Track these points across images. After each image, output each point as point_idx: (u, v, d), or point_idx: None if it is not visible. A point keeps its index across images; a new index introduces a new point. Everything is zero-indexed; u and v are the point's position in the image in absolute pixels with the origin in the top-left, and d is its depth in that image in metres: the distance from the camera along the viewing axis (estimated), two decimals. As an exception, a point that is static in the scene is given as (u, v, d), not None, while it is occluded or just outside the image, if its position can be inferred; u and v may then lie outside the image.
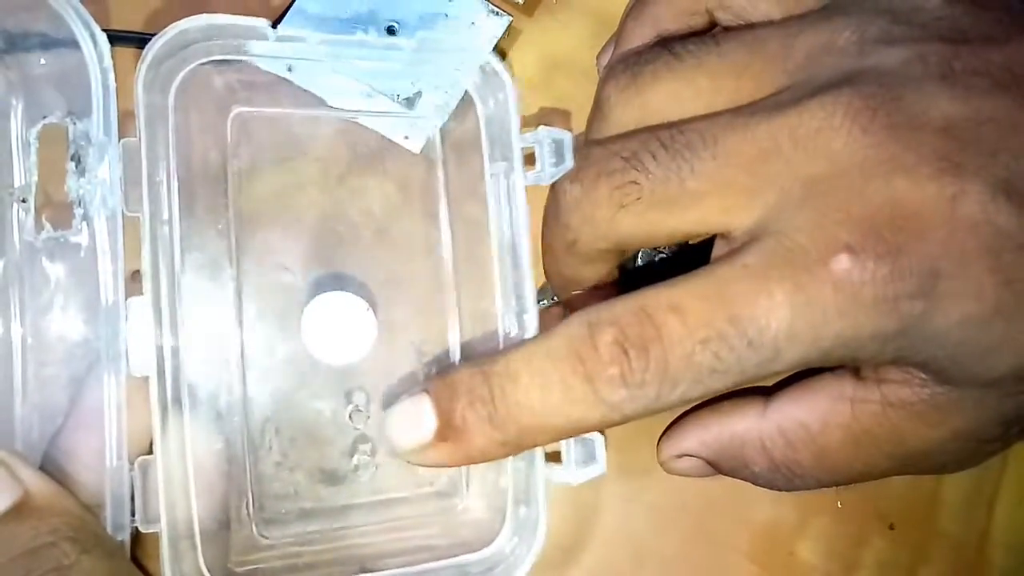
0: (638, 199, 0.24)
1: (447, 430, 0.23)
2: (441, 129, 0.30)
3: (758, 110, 0.24)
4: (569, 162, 0.26)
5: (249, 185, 0.29)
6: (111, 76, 0.24)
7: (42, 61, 0.26)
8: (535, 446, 0.25)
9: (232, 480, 0.27)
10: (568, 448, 0.26)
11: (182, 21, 0.25)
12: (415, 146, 0.30)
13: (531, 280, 0.26)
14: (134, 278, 0.24)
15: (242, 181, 0.28)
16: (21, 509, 0.22)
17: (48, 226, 0.25)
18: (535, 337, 0.25)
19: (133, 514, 0.23)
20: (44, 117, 0.25)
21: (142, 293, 0.23)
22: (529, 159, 0.27)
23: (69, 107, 0.25)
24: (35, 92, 0.26)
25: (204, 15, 0.25)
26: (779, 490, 0.27)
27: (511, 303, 0.26)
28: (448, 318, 0.29)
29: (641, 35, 0.28)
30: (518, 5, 0.33)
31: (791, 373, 0.25)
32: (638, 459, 0.30)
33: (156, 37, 0.24)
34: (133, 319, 0.23)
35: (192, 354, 0.25)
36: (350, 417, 0.28)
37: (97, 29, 0.24)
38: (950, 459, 0.25)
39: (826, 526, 0.31)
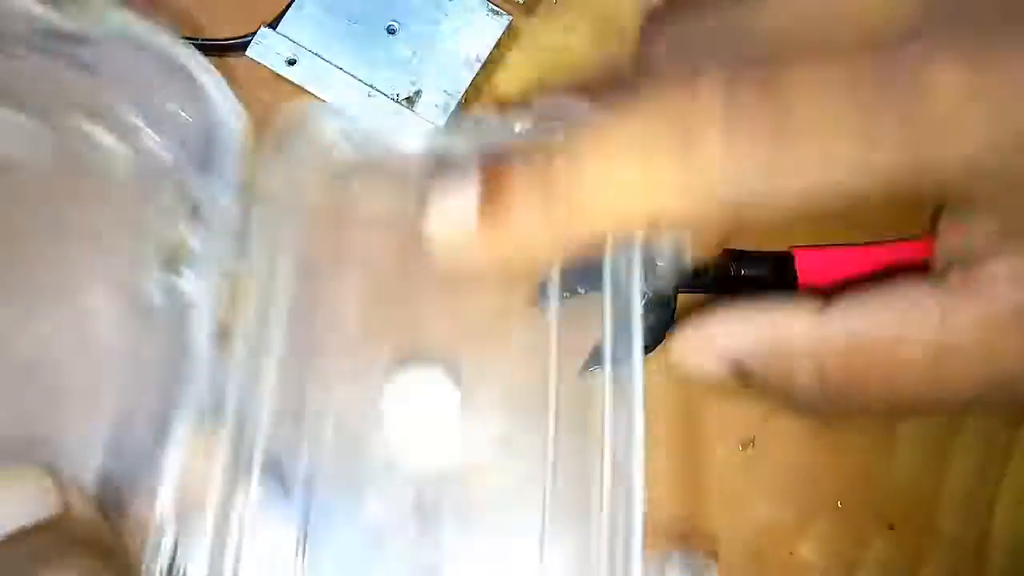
0: None
1: (490, 206, 0.20)
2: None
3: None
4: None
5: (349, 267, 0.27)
6: (239, 136, 0.24)
7: (182, 112, 0.26)
8: (593, 235, 0.21)
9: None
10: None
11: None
12: (415, 146, 0.30)
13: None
14: (222, 332, 0.24)
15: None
16: (57, 525, 0.21)
17: (156, 266, 0.25)
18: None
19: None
20: (174, 169, 0.26)
21: (229, 346, 0.23)
22: None
23: (197, 160, 0.25)
24: (168, 140, 0.26)
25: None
26: (814, 414, 0.24)
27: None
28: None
29: None
30: (518, 5, 0.33)
31: None
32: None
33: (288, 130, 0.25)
34: (219, 373, 0.23)
35: (267, 414, 0.24)
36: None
37: (230, 94, 0.24)
38: None
39: (826, 526, 0.31)
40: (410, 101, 0.31)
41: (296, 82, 0.30)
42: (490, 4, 0.32)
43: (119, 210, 0.26)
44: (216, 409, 0.23)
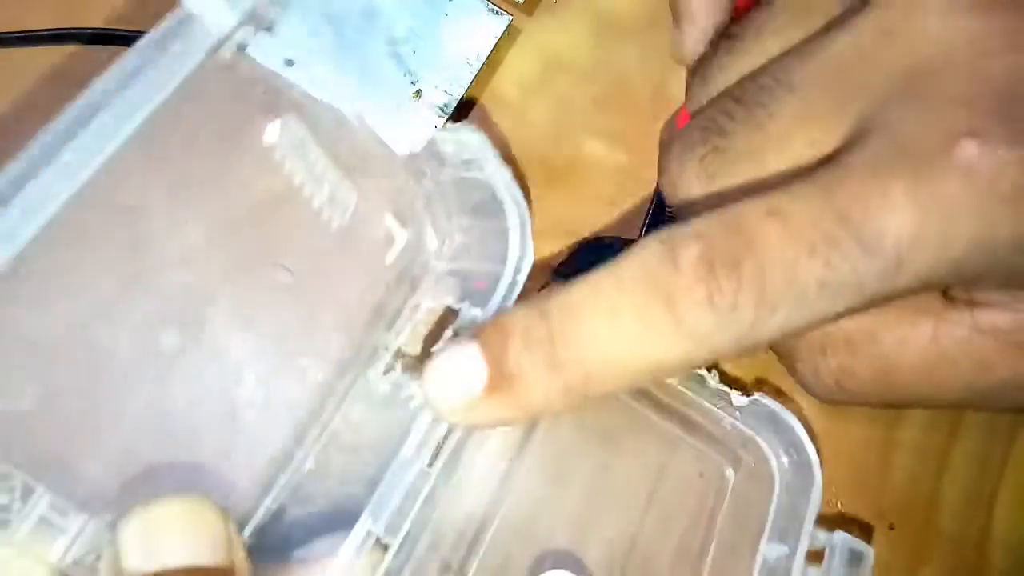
0: (724, 163, 0.22)
1: (499, 379, 0.20)
2: (733, 480, 0.28)
3: (833, 25, 0.21)
4: None
5: (546, 441, 0.28)
6: (524, 280, 0.25)
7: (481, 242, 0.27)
8: (604, 393, 0.21)
9: None
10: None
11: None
12: (415, 146, 0.30)
13: None
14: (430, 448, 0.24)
15: (545, 434, 0.28)
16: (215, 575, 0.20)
17: (397, 369, 0.26)
18: (600, 267, 0.21)
19: None
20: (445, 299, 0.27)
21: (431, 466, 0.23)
22: (815, 555, 0.26)
23: (468, 292, 0.26)
24: (456, 260, 0.27)
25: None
26: (815, 396, 0.24)
27: None
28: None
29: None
30: (518, 5, 0.33)
31: (909, 295, 0.20)
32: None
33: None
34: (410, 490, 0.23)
35: (434, 542, 0.25)
36: None
37: (529, 242, 0.25)
38: None
39: (826, 526, 0.31)
40: (410, 101, 0.31)
41: (295, 82, 0.30)
42: (490, 4, 0.32)
43: (379, 291, 0.27)
44: (393, 523, 0.23)
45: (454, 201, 0.27)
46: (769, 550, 0.26)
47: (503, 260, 0.25)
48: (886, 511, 0.31)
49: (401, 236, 0.27)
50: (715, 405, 0.28)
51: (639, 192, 0.32)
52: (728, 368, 0.30)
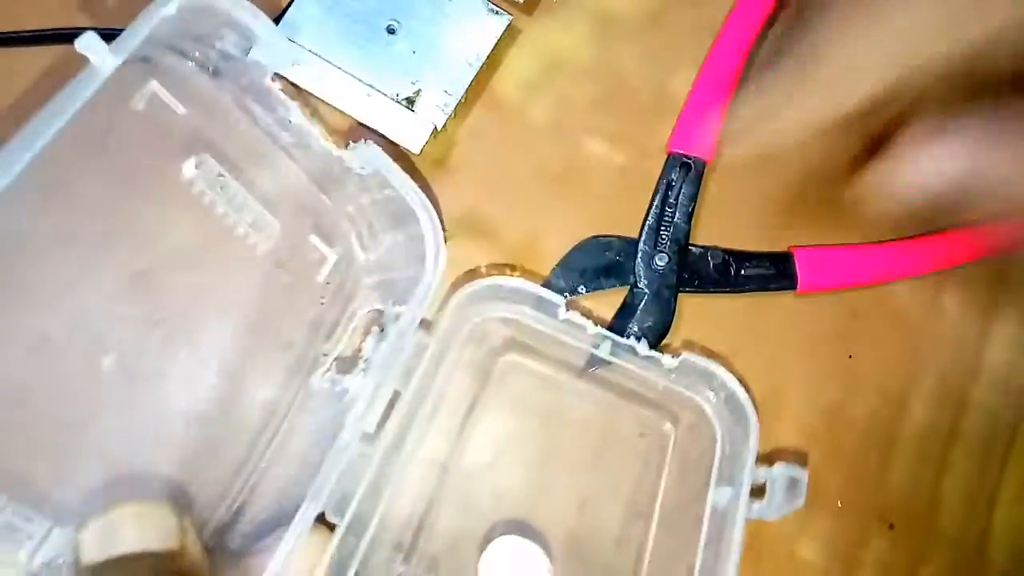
0: None
1: None
2: (673, 436, 0.30)
3: None
4: (802, 500, 0.27)
5: (487, 421, 0.30)
6: (438, 280, 0.27)
7: (396, 247, 0.29)
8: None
9: None
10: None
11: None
12: (415, 146, 0.30)
13: None
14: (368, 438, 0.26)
15: (486, 414, 0.30)
16: (169, 557, 0.22)
17: (333, 368, 0.28)
18: None
19: None
20: (374, 288, 0.29)
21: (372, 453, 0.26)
22: (757, 491, 0.27)
23: (396, 295, 0.28)
24: (376, 266, 0.30)
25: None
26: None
27: None
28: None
29: None
30: (518, 5, 0.33)
31: None
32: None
33: (466, 286, 0.28)
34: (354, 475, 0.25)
35: (384, 522, 0.26)
36: None
37: (443, 248, 0.27)
38: None
39: (826, 526, 0.31)
40: (410, 101, 0.31)
41: (296, 82, 0.30)
42: (490, 4, 0.32)
43: (315, 307, 0.29)
44: (340, 506, 0.25)
45: (373, 214, 0.29)
46: (718, 495, 0.27)
47: (422, 261, 0.27)
48: (886, 511, 0.31)
49: (330, 255, 0.29)
50: (648, 371, 0.29)
51: (639, 192, 0.32)
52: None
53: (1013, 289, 0.33)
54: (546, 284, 0.31)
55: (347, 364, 0.28)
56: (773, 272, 0.31)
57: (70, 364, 0.23)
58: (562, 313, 0.28)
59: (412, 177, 0.27)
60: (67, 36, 0.31)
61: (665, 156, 0.32)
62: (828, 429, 0.31)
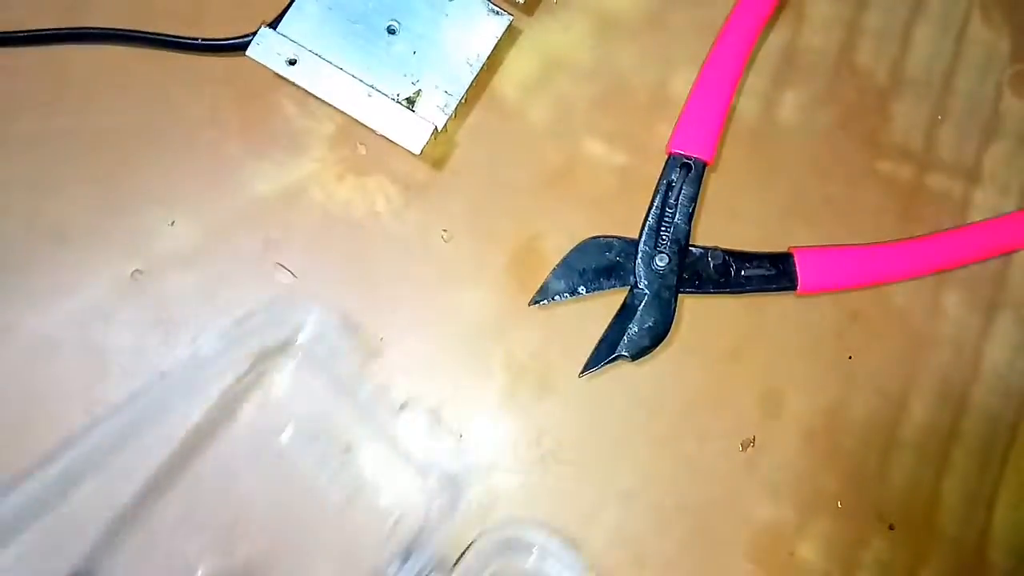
0: None
1: None
2: None
3: None
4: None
5: None
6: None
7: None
8: None
9: None
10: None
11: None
12: (416, 146, 0.30)
13: None
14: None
15: None
16: None
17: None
18: None
19: None
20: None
21: None
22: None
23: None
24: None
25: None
26: None
27: None
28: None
29: None
30: (518, 5, 0.33)
31: None
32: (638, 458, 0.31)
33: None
34: None
35: None
36: None
37: None
38: None
39: (826, 526, 0.31)
40: (410, 101, 0.31)
41: (296, 82, 0.30)
42: (490, 4, 0.32)
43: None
44: None
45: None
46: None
47: None
48: (886, 511, 0.31)
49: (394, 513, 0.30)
50: None
51: (639, 192, 0.32)
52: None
53: (1013, 289, 0.33)
54: (546, 284, 0.31)
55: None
56: (773, 272, 0.31)
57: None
58: None
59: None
60: (67, 36, 0.31)
61: (665, 156, 0.32)
62: (828, 429, 0.31)
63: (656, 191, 0.32)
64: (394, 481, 0.29)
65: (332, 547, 0.29)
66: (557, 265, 0.31)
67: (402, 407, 0.30)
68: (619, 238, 0.32)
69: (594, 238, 0.31)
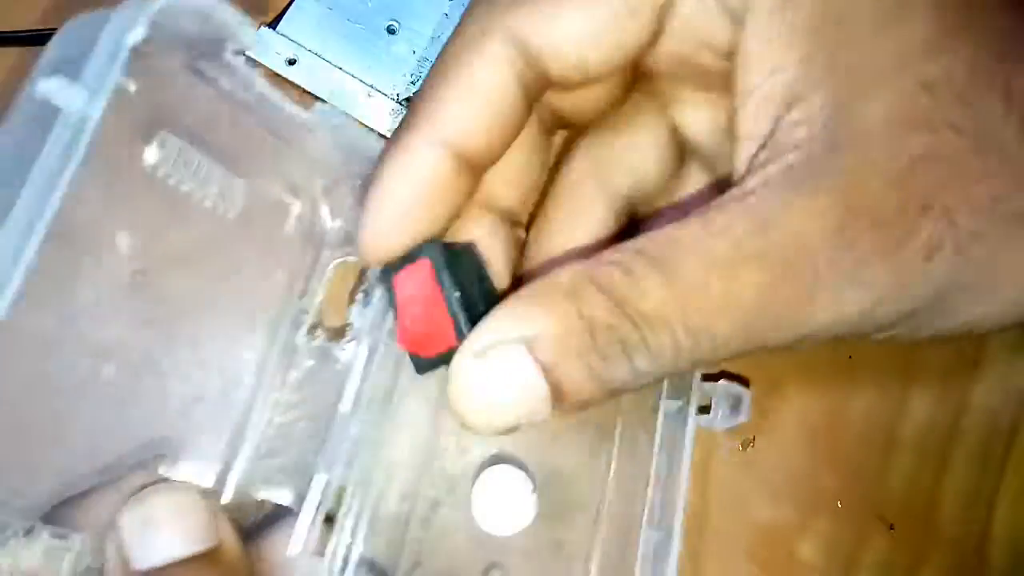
0: None
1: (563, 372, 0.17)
2: None
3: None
4: (744, 416, 0.29)
5: None
6: None
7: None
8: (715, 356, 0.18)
9: None
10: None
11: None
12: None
13: (680, 512, 0.27)
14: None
15: None
16: (210, 558, 0.23)
17: (322, 336, 0.29)
18: None
19: None
20: (347, 253, 0.30)
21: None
22: (703, 409, 0.29)
23: None
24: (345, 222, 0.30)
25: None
26: None
27: (654, 524, 0.28)
28: (598, 525, 0.30)
29: None
30: (518, 5, 0.32)
31: None
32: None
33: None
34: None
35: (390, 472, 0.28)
36: None
37: None
38: None
39: (826, 526, 0.31)
40: (410, 101, 0.31)
41: (296, 82, 0.30)
42: (490, 4, 0.32)
43: (288, 260, 0.29)
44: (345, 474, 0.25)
45: (338, 166, 0.28)
46: (668, 406, 0.29)
47: None
48: (886, 511, 0.31)
49: (295, 205, 0.29)
50: None
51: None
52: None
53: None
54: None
55: (336, 333, 0.29)
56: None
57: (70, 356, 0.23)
58: None
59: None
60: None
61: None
62: (828, 429, 0.31)
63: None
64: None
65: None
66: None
67: None
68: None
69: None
